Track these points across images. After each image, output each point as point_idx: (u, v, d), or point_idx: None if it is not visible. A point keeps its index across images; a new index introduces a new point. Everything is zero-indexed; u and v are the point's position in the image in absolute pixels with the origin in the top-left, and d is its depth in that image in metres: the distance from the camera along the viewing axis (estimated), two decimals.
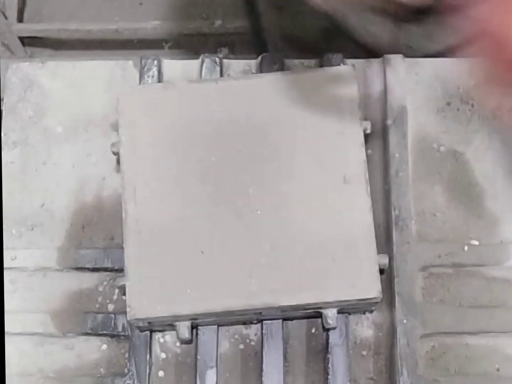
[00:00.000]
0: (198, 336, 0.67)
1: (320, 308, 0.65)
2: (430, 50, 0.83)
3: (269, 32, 0.96)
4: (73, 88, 0.77)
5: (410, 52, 0.82)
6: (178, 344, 0.69)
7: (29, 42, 1.51)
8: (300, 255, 0.64)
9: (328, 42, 0.87)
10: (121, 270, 0.67)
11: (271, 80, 0.70)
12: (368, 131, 0.69)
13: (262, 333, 0.67)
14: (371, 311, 0.69)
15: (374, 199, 0.67)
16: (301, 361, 0.68)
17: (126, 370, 0.67)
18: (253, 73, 0.77)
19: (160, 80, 0.74)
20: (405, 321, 0.67)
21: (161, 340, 0.69)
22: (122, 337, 0.68)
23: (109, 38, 1.46)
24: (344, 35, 0.85)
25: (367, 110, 0.75)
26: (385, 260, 0.65)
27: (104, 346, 0.69)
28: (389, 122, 0.73)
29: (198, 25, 1.44)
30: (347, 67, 0.71)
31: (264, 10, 0.96)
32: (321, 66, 0.75)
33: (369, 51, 0.86)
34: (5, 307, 0.68)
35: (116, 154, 0.69)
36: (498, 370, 0.68)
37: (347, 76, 0.70)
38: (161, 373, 0.68)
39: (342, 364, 0.66)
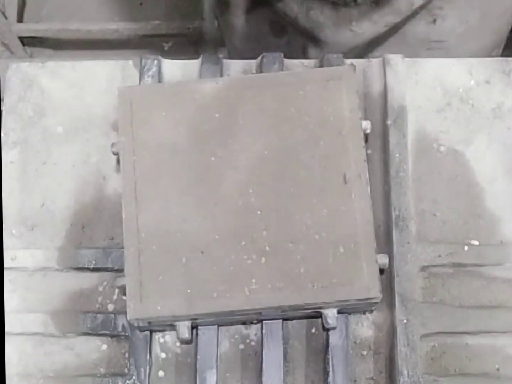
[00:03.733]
0: (198, 336, 0.67)
1: (320, 308, 0.65)
2: (373, 31, 0.83)
3: (219, 31, 0.96)
4: (73, 88, 0.77)
5: (355, 37, 0.82)
6: (178, 344, 0.69)
7: (29, 42, 1.51)
8: (300, 255, 0.64)
9: (278, 36, 0.88)
10: (121, 270, 0.67)
11: (271, 80, 0.70)
12: (368, 131, 0.69)
13: (262, 333, 0.67)
14: (371, 311, 0.69)
15: (374, 199, 0.67)
16: (301, 361, 0.68)
17: (126, 370, 0.67)
18: (253, 73, 0.77)
19: (160, 80, 0.74)
20: (405, 321, 0.67)
21: (161, 340, 0.69)
22: (122, 337, 0.68)
23: (109, 38, 1.46)
24: (293, 28, 0.86)
25: (367, 110, 0.75)
26: (385, 260, 0.65)
27: (104, 346, 0.69)
28: (389, 122, 0.73)
29: (198, 25, 1.44)
30: (347, 67, 0.71)
31: (210, 9, 0.97)
32: (321, 66, 0.75)
33: (316, 41, 0.86)
34: (5, 307, 0.68)
35: (116, 154, 0.69)
36: (498, 370, 0.68)
37: (347, 76, 0.70)
38: (161, 373, 0.68)
39: (342, 364, 0.66)
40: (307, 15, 0.83)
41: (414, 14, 0.83)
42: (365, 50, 0.86)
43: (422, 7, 0.82)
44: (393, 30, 0.84)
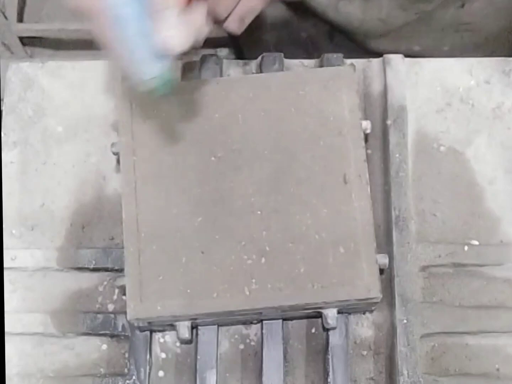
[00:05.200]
0: (198, 336, 0.67)
1: (320, 308, 0.65)
2: (403, 19, 0.83)
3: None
4: (73, 88, 0.77)
5: (384, 25, 0.82)
6: (178, 344, 0.69)
7: (29, 42, 1.51)
8: (300, 255, 0.64)
9: (303, 20, 0.87)
10: (121, 270, 0.67)
11: (271, 80, 0.70)
12: (368, 131, 0.69)
13: (262, 333, 0.67)
14: (371, 311, 0.69)
15: (374, 199, 0.67)
16: (301, 361, 0.68)
17: (126, 370, 0.67)
18: (253, 73, 0.77)
19: None
20: (405, 321, 0.67)
21: (161, 340, 0.69)
22: (122, 337, 0.68)
23: None
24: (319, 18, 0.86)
25: (367, 110, 0.75)
26: (385, 260, 0.65)
27: (104, 346, 0.69)
28: (389, 122, 0.73)
29: None
30: (347, 67, 0.71)
31: None
32: (321, 66, 0.75)
33: (345, 32, 0.86)
34: (5, 307, 0.68)
35: (116, 154, 0.69)
36: (498, 370, 0.68)
37: (347, 76, 0.70)
38: (161, 373, 0.68)
39: (342, 364, 0.66)
40: (336, 7, 0.83)
41: (446, 2, 0.82)
42: (391, 36, 0.85)
43: None
44: (423, 16, 0.83)
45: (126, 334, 0.68)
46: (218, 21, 0.65)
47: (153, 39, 0.56)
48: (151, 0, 0.55)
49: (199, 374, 0.66)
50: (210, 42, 0.68)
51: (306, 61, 0.77)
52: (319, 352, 0.68)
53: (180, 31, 0.56)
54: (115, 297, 0.70)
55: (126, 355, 0.68)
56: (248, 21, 0.65)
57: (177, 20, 0.56)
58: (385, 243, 0.70)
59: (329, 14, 0.84)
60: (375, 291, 0.64)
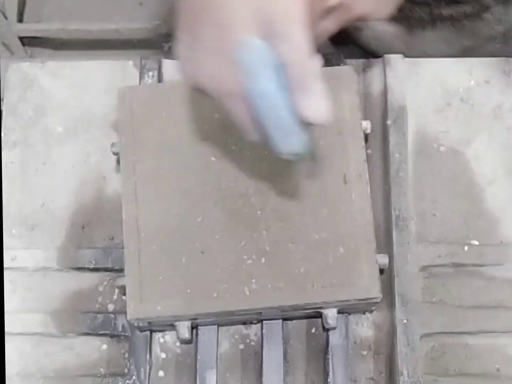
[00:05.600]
0: (198, 336, 0.67)
1: (320, 308, 0.65)
2: (446, 52, 0.83)
3: None
4: (73, 88, 0.77)
5: (423, 55, 0.82)
6: (178, 344, 0.69)
7: (29, 42, 1.51)
8: (300, 255, 0.64)
9: (337, 46, 0.87)
10: (121, 270, 0.67)
11: None
12: (368, 131, 0.69)
13: (262, 333, 0.67)
14: (371, 311, 0.69)
15: (374, 199, 0.67)
16: (301, 361, 0.68)
17: (126, 370, 0.67)
18: None
19: (160, 80, 0.74)
20: (405, 321, 0.67)
21: (161, 340, 0.69)
22: (122, 337, 0.68)
23: (109, 38, 1.46)
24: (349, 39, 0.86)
25: (367, 110, 0.75)
26: (385, 260, 0.65)
27: (104, 346, 0.69)
28: (389, 122, 0.73)
29: None
30: (347, 67, 0.71)
31: None
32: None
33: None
34: (5, 307, 0.68)
35: (116, 154, 0.69)
36: (498, 370, 0.68)
37: (347, 76, 0.70)
38: (161, 373, 0.68)
39: (342, 364, 0.66)
40: (378, 37, 0.83)
41: (492, 38, 0.83)
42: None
43: (503, 33, 0.82)
44: (465, 51, 0.84)
45: (126, 334, 0.68)
46: None
47: (297, 112, 0.52)
48: (294, 72, 0.51)
49: (199, 374, 0.66)
50: None
51: None
52: (319, 352, 0.68)
53: (325, 99, 0.52)
54: (115, 297, 0.70)
55: (126, 355, 0.68)
56: (320, 40, 0.63)
57: (321, 89, 0.52)
58: (385, 243, 0.70)
59: (371, 43, 0.83)
60: (375, 291, 0.64)
